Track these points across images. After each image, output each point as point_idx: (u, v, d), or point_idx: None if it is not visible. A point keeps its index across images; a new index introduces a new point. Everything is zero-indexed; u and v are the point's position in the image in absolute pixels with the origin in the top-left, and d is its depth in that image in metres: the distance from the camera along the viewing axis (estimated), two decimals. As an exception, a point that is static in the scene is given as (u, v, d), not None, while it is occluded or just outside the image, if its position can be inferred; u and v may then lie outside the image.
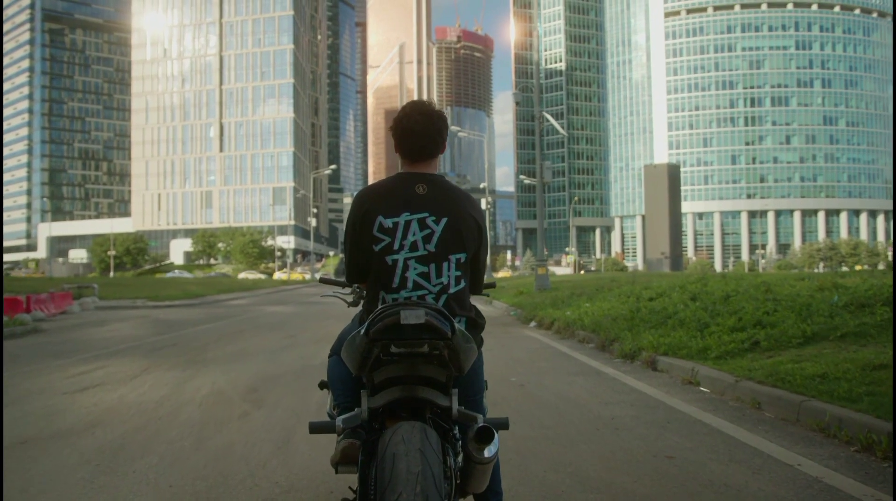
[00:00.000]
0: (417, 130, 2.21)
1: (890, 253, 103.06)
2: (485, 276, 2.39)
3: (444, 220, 2.12)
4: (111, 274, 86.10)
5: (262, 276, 76.32)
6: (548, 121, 27.92)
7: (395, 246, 2.09)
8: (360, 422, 1.97)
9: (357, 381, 2.16)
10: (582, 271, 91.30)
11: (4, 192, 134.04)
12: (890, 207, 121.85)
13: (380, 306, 1.92)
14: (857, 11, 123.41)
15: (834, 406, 4.24)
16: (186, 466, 3.84)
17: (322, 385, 2.57)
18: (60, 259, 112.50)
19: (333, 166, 78.42)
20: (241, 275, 76.86)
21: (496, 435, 1.87)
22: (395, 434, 1.76)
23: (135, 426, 4.86)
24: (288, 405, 5.46)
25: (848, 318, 6.66)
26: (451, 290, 2.12)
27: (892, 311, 6.58)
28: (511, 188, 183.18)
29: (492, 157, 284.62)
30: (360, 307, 2.64)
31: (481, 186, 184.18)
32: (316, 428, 2.04)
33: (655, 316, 9.02)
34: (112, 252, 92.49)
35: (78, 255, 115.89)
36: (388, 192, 2.16)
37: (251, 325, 14.88)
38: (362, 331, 1.86)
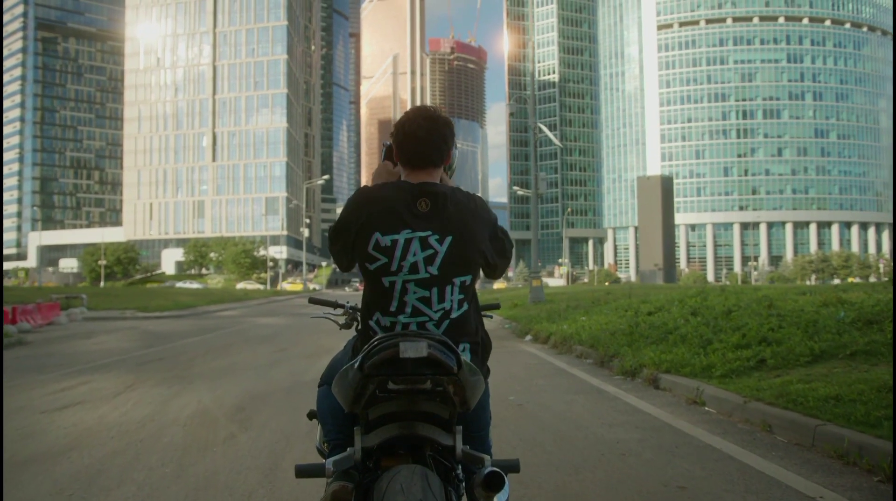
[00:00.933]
0: (421, 135, 2.02)
1: (882, 265, 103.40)
2: (499, 275, 2.16)
3: (448, 239, 1.90)
4: (101, 284, 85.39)
5: (260, 286, 75.74)
6: (542, 132, 27.81)
7: (393, 267, 1.88)
8: (352, 463, 1.79)
9: (350, 415, 1.93)
10: (576, 282, 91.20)
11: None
12: (880, 219, 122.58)
13: (376, 337, 1.72)
14: (848, 25, 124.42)
15: (853, 432, 4.02)
16: (165, 497, 3.59)
17: (311, 416, 2.30)
18: (50, 268, 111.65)
19: (326, 177, 78.28)
20: (240, 285, 76.23)
21: (506, 481, 1.69)
22: (394, 482, 1.58)
23: (114, 450, 4.60)
24: (277, 428, 5.21)
25: (857, 335, 6.45)
26: (454, 314, 1.92)
27: (893, 327, 6.39)
28: (504, 199, 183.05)
29: (485, 168, 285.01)
30: (353, 330, 2.41)
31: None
32: (303, 472, 1.90)
33: (655, 331, 8.80)
34: (103, 262, 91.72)
35: (68, 264, 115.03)
36: (387, 205, 1.92)
37: (241, 338, 14.60)
38: (356, 365, 1.67)
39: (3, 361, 10.26)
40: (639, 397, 6.29)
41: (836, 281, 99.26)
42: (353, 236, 1.95)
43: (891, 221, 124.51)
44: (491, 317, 2.58)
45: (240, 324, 19.52)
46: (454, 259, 1.90)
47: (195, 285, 70.92)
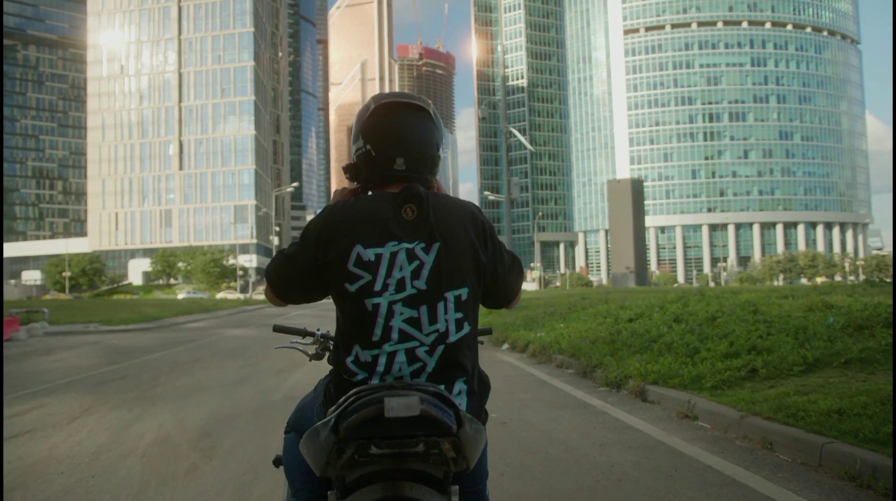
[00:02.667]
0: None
1: (847, 264, 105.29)
2: (513, 296, 1.86)
3: (435, 247, 1.63)
4: (66, 295, 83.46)
5: (241, 295, 74.46)
6: (514, 136, 27.59)
7: (377, 286, 1.59)
8: None
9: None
10: (548, 286, 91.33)
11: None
12: (844, 219, 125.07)
13: (353, 391, 1.42)
14: (809, 30, 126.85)
15: (863, 450, 3.76)
16: (115, 547, 3.19)
17: (277, 463, 1.90)
18: (13, 281, 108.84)
19: (296, 184, 77.23)
20: (220, 295, 74.83)
21: None
22: None
23: (63, 488, 4.18)
24: (243, 457, 4.81)
25: (849, 342, 6.25)
26: (451, 338, 1.62)
27: (893, 334, 6.19)
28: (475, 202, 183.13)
29: (455, 173, 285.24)
30: (325, 361, 1.97)
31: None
32: None
33: (638, 340, 8.55)
34: (67, 273, 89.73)
35: (31, 277, 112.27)
36: (369, 213, 1.65)
37: (208, 352, 14.08)
38: (330, 423, 1.37)
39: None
40: (627, 411, 6.00)
41: (804, 280, 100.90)
42: (325, 248, 1.65)
43: (854, 220, 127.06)
44: (482, 343, 2.19)
45: (208, 336, 18.95)
46: (443, 270, 1.62)
47: (200, 295, 69.67)
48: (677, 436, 4.98)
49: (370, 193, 1.78)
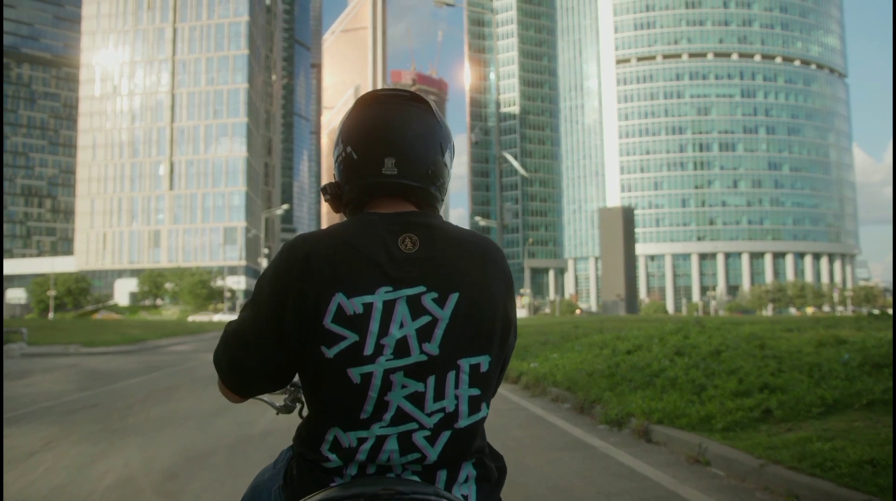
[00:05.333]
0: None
1: (836, 295, 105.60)
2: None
3: (453, 297, 1.19)
4: (50, 315, 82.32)
5: (234, 317, 73.50)
6: (507, 161, 27.33)
7: (368, 349, 1.15)
8: None
9: None
10: (539, 313, 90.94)
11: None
12: (832, 250, 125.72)
13: (322, 492, 1.11)
14: (797, 63, 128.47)
15: (908, 512, 3.34)
16: None
17: None
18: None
19: (286, 206, 76.79)
20: (216, 317, 73.63)
21: None
22: None
23: (3, 541, 3.69)
24: (211, 503, 4.34)
25: (869, 382, 5.85)
26: (461, 421, 1.19)
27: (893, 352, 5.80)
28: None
29: (447, 199, 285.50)
30: (295, 414, 1.63)
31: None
32: None
33: (639, 374, 8.13)
34: (52, 292, 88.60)
35: (16, 295, 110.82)
36: (351, 246, 1.20)
37: (188, 378, 13.54)
38: None
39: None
40: (632, 454, 5.56)
41: (793, 310, 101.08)
42: (290, 303, 1.17)
43: (842, 251, 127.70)
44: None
45: (189, 361, 18.38)
46: (464, 330, 1.19)
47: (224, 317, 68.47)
48: (690, 485, 4.54)
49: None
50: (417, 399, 1.16)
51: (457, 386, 1.18)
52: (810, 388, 5.93)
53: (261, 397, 1.74)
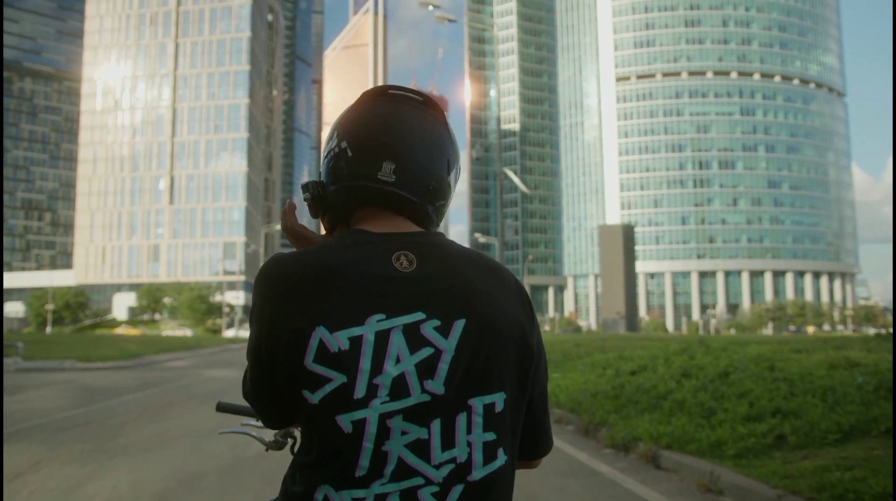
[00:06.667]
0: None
1: (836, 314, 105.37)
2: (548, 436, 1.16)
3: (458, 324, 0.99)
4: (48, 329, 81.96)
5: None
6: (508, 178, 27.25)
7: (359, 391, 0.95)
8: None
9: None
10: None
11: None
12: (832, 268, 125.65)
13: None
14: (796, 82, 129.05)
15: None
16: None
17: None
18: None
19: (286, 221, 76.69)
20: (167, 333, 73.02)
21: None
22: None
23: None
24: (201, 533, 4.13)
25: (886, 407, 5.66)
26: (476, 473, 0.98)
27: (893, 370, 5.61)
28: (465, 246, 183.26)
29: (446, 215, 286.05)
30: (287, 452, 1.48)
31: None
32: None
33: (645, 396, 7.92)
34: (50, 306, 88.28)
35: (14, 309, 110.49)
36: (333, 267, 1.00)
37: (184, 395, 13.31)
38: None
39: None
40: (640, 481, 5.35)
41: (792, 328, 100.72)
42: (266, 343, 1.00)
43: (842, 270, 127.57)
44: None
45: (186, 377, 18.14)
46: (473, 362, 0.99)
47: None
48: (704, 516, 4.34)
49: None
50: (422, 448, 0.96)
51: (469, 431, 0.98)
52: (825, 413, 5.73)
53: (250, 432, 1.68)
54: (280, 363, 0.98)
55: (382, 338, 0.96)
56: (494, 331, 1.00)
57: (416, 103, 1.13)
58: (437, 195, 1.12)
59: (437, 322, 0.98)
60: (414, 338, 0.97)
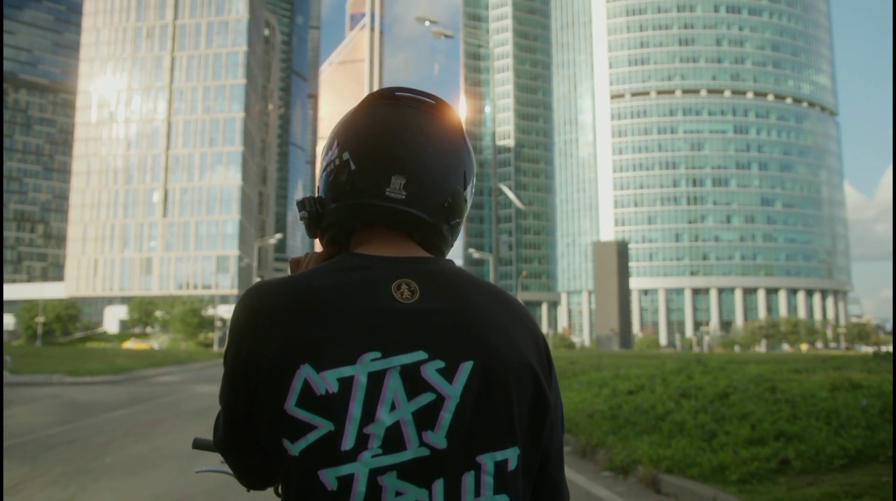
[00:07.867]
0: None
1: (829, 332, 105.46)
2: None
3: (465, 367, 0.85)
4: (38, 343, 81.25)
5: (153, 345, 72.39)
6: (503, 194, 27.14)
7: (347, 442, 0.80)
8: None
9: None
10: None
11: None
12: (825, 286, 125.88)
13: None
14: (789, 100, 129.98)
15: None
16: None
17: None
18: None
19: (279, 235, 76.70)
20: (130, 343, 72.17)
21: None
22: None
23: None
24: (184, 563, 3.95)
25: (892, 431, 5.51)
26: None
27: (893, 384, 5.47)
28: (459, 262, 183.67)
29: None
30: (271, 491, 1.22)
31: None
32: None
33: (643, 417, 7.77)
34: (41, 319, 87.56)
35: (4, 321, 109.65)
36: (321, 302, 0.86)
37: (172, 411, 13.08)
38: None
39: None
40: (641, 507, 5.20)
41: (786, 346, 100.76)
42: (244, 383, 0.87)
43: (835, 288, 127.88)
44: None
45: (176, 393, 17.89)
46: (482, 412, 0.84)
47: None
48: (708, 546, 4.18)
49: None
50: None
51: (477, 493, 0.82)
52: (830, 437, 5.59)
53: (226, 469, 1.40)
54: (258, 409, 0.84)
55: (376, 380, 0.82)
56: (508, 375, 0.86)
57: (428, 107, 0.97)
58: (453, 213, 0.99)
59: (440, 364, 0.84)
60: (413, 381, 0.83)
